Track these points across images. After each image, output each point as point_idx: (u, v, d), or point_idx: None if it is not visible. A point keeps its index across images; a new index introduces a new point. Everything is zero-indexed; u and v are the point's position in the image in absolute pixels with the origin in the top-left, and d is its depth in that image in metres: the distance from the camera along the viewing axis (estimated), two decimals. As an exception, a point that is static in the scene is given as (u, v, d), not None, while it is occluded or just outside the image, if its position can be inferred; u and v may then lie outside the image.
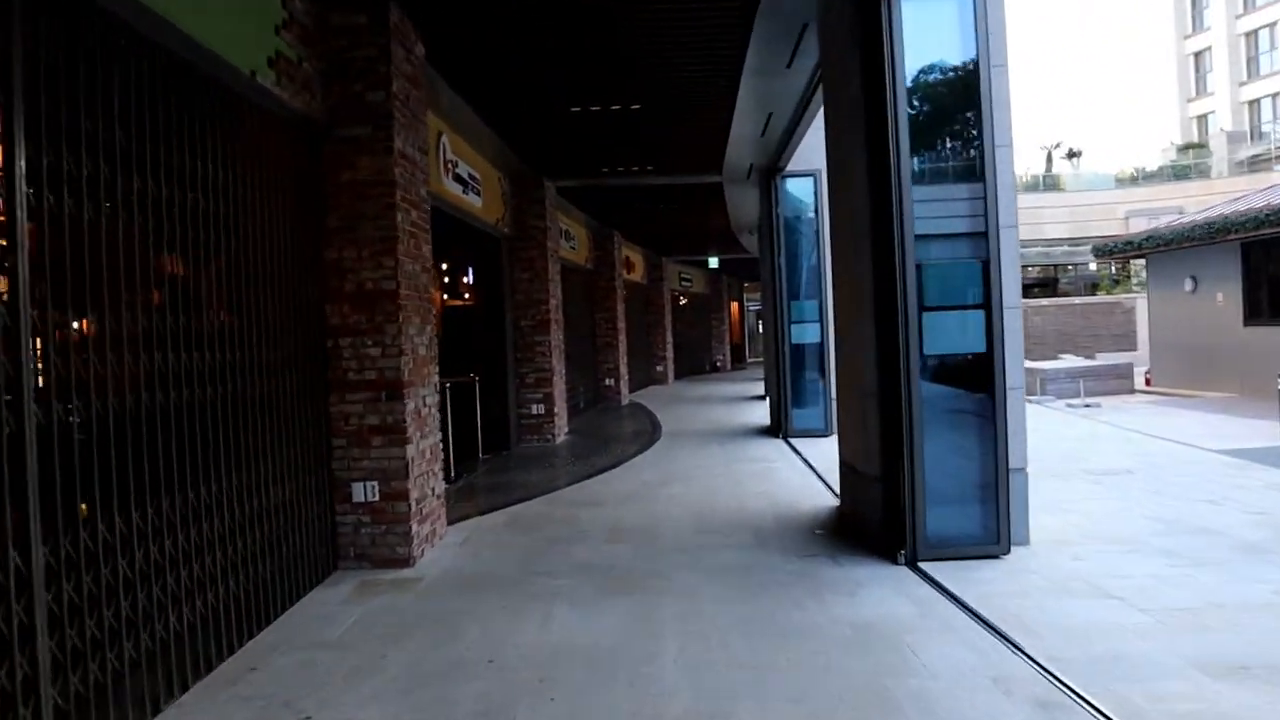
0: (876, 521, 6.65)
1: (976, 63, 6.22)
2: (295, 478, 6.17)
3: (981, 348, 6.24)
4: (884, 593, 5.63)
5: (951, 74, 6.38)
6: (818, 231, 13.54)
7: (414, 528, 6.75)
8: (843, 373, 7.67)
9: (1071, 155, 59.02)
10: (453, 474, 10.82)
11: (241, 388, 5.48)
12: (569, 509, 8.70)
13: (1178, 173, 49.20)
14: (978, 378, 6.32)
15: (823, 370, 13.50)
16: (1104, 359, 24.69)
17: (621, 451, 12.76)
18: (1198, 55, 59.10)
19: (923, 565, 6.13)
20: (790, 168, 13.51)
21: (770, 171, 13.62)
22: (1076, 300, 37.39)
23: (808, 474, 10.24)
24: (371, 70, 6.64)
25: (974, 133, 6.32)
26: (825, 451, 11.58)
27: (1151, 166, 53.09)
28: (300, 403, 6.29)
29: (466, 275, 14.16)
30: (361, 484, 6.68)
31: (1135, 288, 40.24)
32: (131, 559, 4.24)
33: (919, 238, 6.20)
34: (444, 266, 19.47)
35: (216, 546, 5.05)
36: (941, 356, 6.34)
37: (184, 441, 4.79)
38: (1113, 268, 45.24)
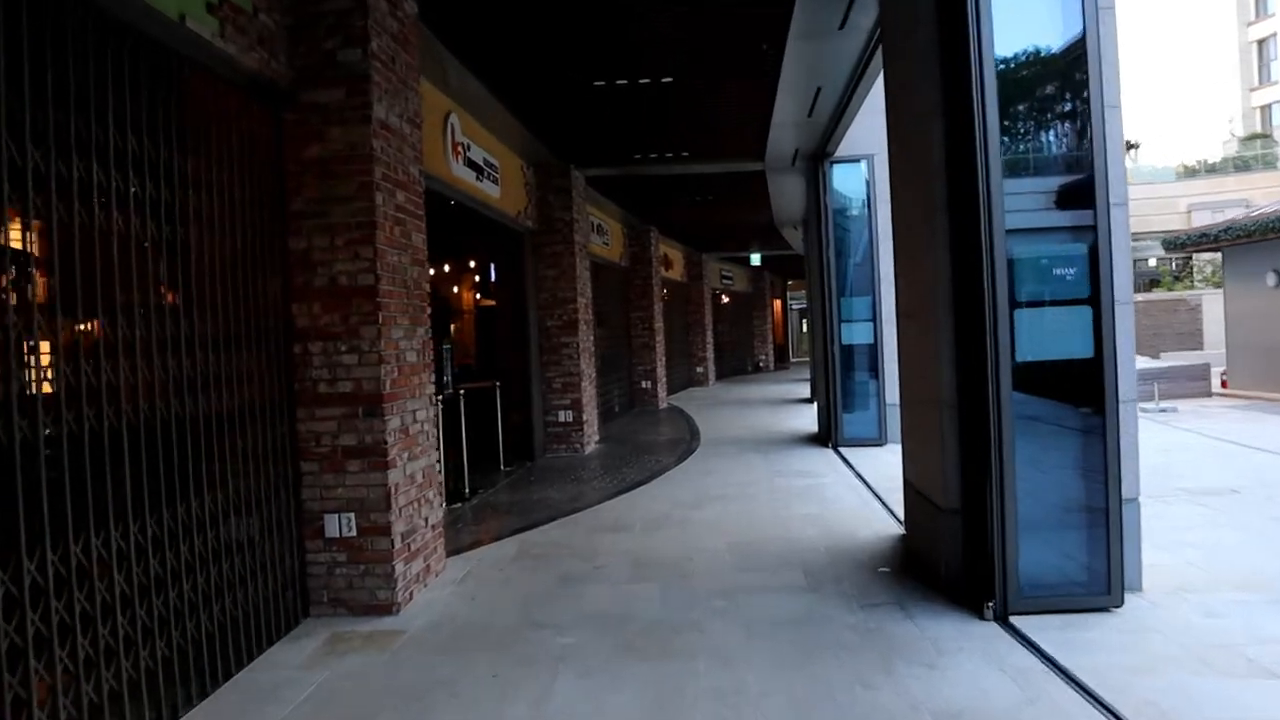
0: (955, 562, 5.47)
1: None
2: (254, 510, 5.14)
3: (1087, 351, 5.04)
4: (973, 664, 4.45)
5: (1047, 12, 5.19)
6: (871, 222, 12.34)
7: (398, 567, 5.67)
8: (908, 380, 6.49)
9: (1130, 148, 56.91)
10: (467, 490, 9.78)
11: (185, 404, 4.47)
12: (590, 536, 7.60)
13: (1242, 164, 47.07)
14: (1082, 388, 5.12)
15: (876, 373, 12.30)
16: (1171, 359, 23.17)
17: (654, 463, 11.64)
18: (1261, 43, 56.74)
19: (1016, 621, 4.94)
20: (839, 153, 12.32)
21: (817, 157, 12.42)
22: (1138, 297, 35.65)
23: (862, 492, 9.05)
24: (346, 24, 5.57)
25: (1077, 88, 5.12)
26: (880, 464, 10.42)
27: (1214, 158, 50.95)
28: (261, 421, 5.26)
29: (486, 273, 13.12)
30: (335, 516, 5.62)
31: (1199, 284, 38.42)
32: (23, 621, 3.24)
33: (1012, 228, 5.02)
34: (470, 264, 18.50)
35: (144, 597, 4.01)
36: (1037, 363, 5.15)
37: (108, 470, 3.79)
38: (1173, 263, 43.33)
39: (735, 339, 33.42)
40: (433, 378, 6.56)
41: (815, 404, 17.12)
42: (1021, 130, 5.49)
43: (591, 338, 13.73)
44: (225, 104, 5.06)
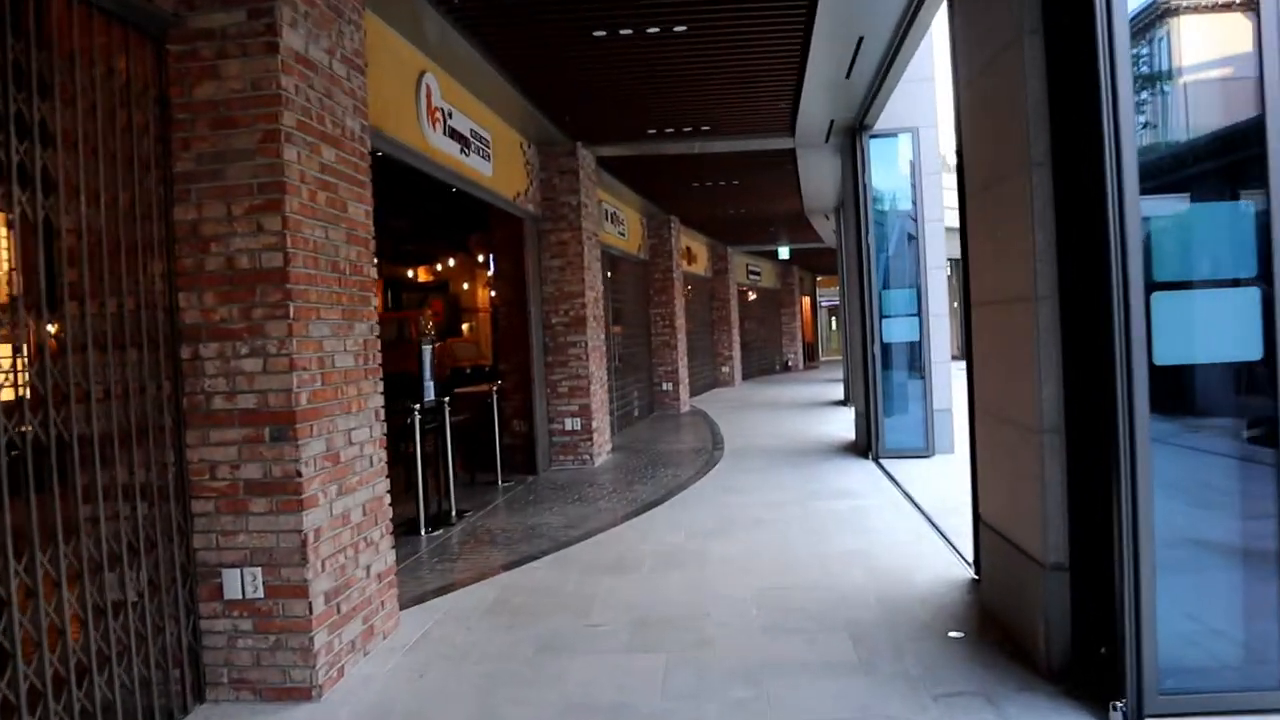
0: (1061, 637, 4.05)
1: None
2: (130, 563, 3.83)
3: (1255, 353, 3.62)
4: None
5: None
6: (916, 203, 10.91)
7: (320, 638, 4.33)
8: (987, 390, 5.05)
9: None
10: (453, 514, 8.46)
11: (35, 426, 3.23)
12: (586, 578, 6.23)
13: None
14: (1243, 400, 3.70)
15: (922, 375, 10.86)
16: None
17: (671, 478, 10.26)
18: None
19: (1158, 731, 3.54)
20: (878, 126, 10.89)
21: (854, 131, 10.99)
22: None
23: (913, 518, 7.63)
24: (248, -77, 4.23)
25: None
26: (930, 480, 9.04)
27: None
28: (139, 446, 3.94)
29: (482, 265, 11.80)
30: (237, 572, 4.28)
31: None
32: None
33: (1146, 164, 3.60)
34: (480, 257, 17.15)
35: None
36: (1182, 367, 3.73)
37: None
38: None
39: (762, 337, 31.97)
40: (379, 386, 5.21)
41: (851, 408, 15.71)
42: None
43: (603, 336, 12.36)
44: (90, 34, 3.73)
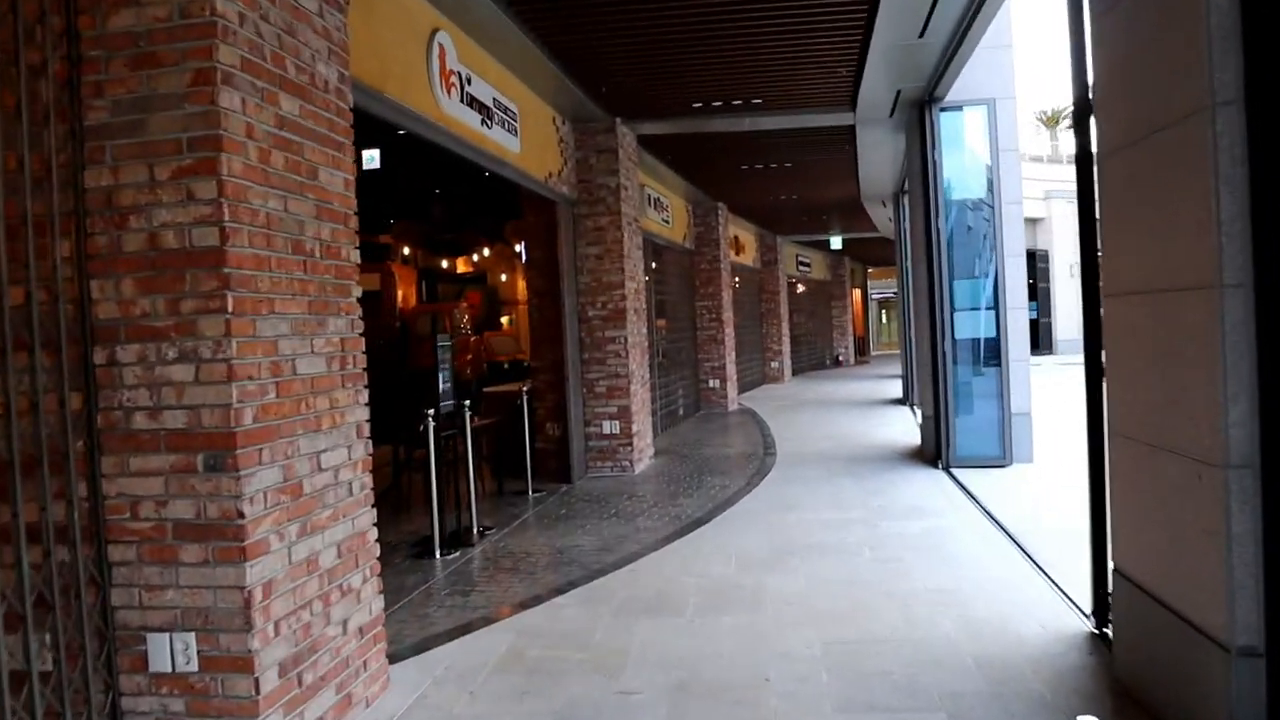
0: (1250, 746, 3.00)
1: None
2: (29, 625, 2.92)
3: None
4: None
5: None
6: (993, 184, 9.77)
7: (271, 724, 3.38)
8: (1130, 404, 3.95)
9: None
10: (475, 532, 7.53)
11: None
12: (618, 621, 5.23)
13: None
14: None
15: (1000, 374, 9.73)
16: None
17: (719, 489, 9.24)
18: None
19: None
20: (951, 97, 9.76)
21: (924, 103, 9.87)
22: None
23: (1002, 545, 6.55)
24: None
25: None
26: (1011, 495, 8.05)
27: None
28: (39, 477, 3.02)
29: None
30: (165, 637, 3.34)
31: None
32: None
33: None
34: (520, 247, 16.27)
35: None
36: None
37: None
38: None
39: (812, 331, 30.80)
40: (362, 395, 4.25)
41: (914, 409, 14.60)
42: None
43: (644, 330, 11.37)
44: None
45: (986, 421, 9.90)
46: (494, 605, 5.68)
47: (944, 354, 9.86)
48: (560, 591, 5.88)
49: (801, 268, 28.84)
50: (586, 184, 10.47)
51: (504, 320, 26.03)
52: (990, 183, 9.73)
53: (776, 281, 24.47)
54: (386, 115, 5.93)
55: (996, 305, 9.79)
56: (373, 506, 4.32)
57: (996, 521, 7.19)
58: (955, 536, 6.85)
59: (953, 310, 9.88)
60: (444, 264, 24.64)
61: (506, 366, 20.66)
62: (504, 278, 25.95)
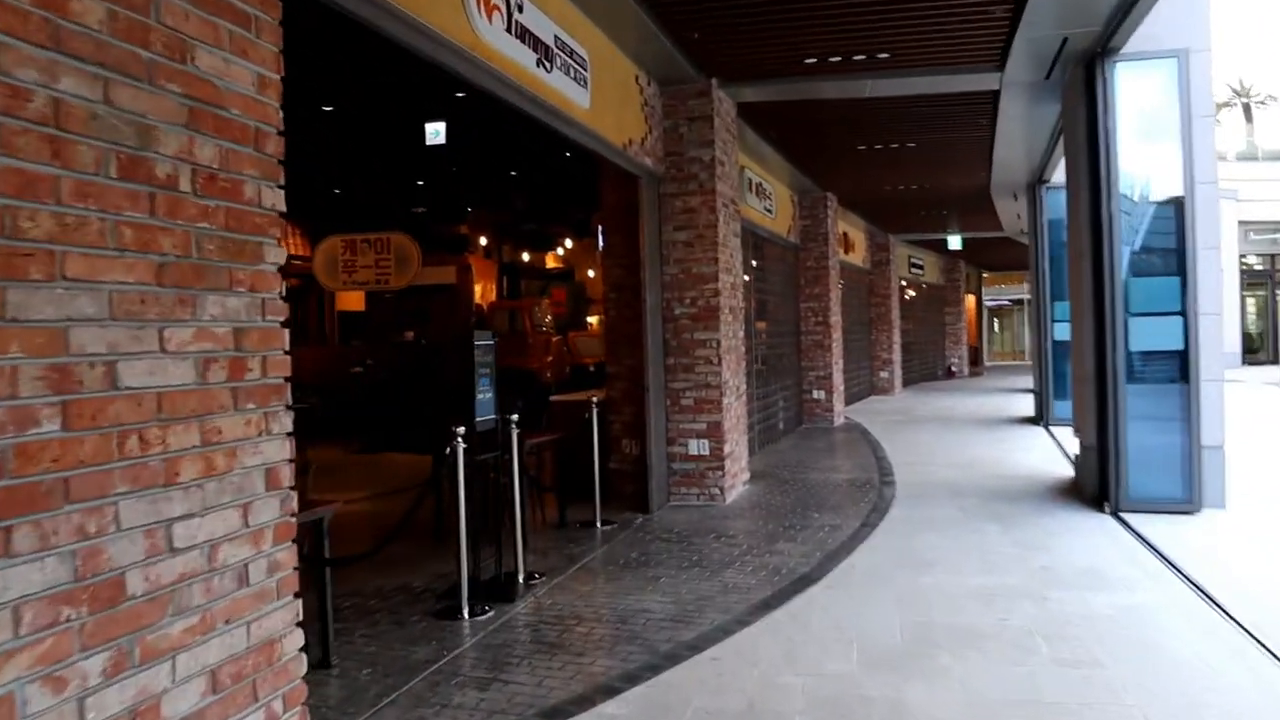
0: None
1: None
2: None
3: None
4: None
5: None
6: (1185, 158, 7.77)
7: None
8: None
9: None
10: (520, 580, 5.96)
11: None
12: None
13: None
14: None
15: (1186, 396, 7.74)
16: None
17: (828, 531, 7.46)
18: None
19: None
20: (1129, 48, 7.82)
21: (1095, 55, 7.92)
22: None
23: (1237, 642, 4.65)
24: None
25: None
26: (1218, 555, 6.17)
27: None
28: None
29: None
30: None
31: None
32: None
33: None
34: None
35: None
36: None
37: None
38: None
39: (923, 339, 28.54)
40: (279, 421, 2.66)
41: (1049, 430, 12.57)
42: None
43: (741, 333, 9.64)
44: None
45: (1167, 454, 7.90)
46: (517, 710, 4.04)
47: (1114, 370, 7.90)
48: (613, 691, 4.21)
49: (914, 270, 26.68)
50: (675, 158, 8.81)
51: (591, 320, 24.52)
52: (1184, 155, 7.73)
53: (888, 284, 22.44)
54: (399, 35, 4.37)
55: (1184, 310, 7.79)
56: (295, 596, 2.72)
57: (1214, 601, 5.27)
58: (1162, 624, 4.96)
59: (1127, 316, 7.91)
60: (526, 257, 23.20)
61: (592, 369, 19.14)
62: (591, 274, 24.42)
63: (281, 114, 2.72)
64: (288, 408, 2.71)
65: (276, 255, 2.69)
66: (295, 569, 2.74)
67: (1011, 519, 7.74)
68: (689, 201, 8.78)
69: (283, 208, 2.74)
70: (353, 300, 20.68)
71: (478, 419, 5.63)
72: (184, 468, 2.31)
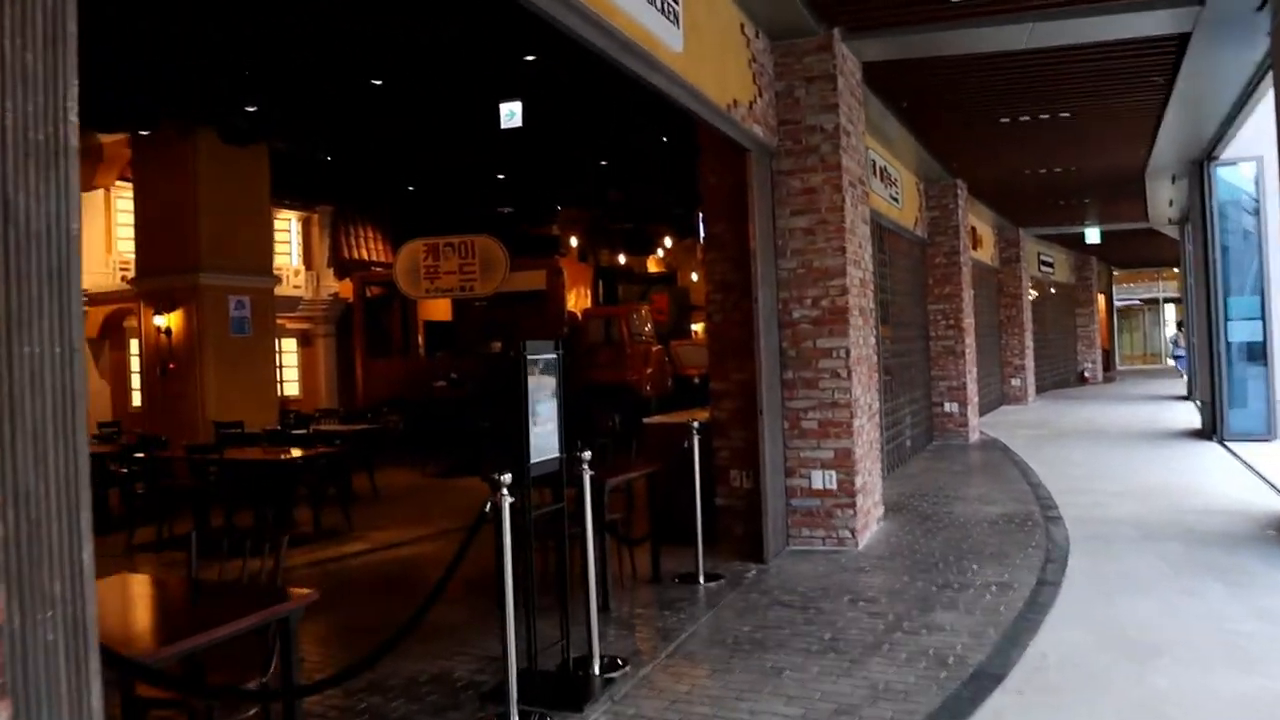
0: None
1: None
2: None
3: None
4: None
5: None
6: None
7: None
8: None
9: None
10: (595, 666, 4.47)
11: None
12: None
13: None
14: None
15: None
16: None
17: (996, 593, 5.78)
18: None
19: None
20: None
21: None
22: None
23: None
24: None
25: None
26: None
27: None
28: None
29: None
30: None
31: None
32: None
33: None
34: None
35: None
36: None
37: None
38: None
39: (1053, 342, 26.22)
40: None
41: (1225, 445, 10.56)
42: None
43: (872, 339, 8.02)
44: None
45: None
46: None
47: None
48: None
49: (1044, 268, 24.46)
50: (791, 127, 7.25)
51: (695, 328, 23.00)
52: None
53: (1018, 283, 20.41)
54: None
55: None
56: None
57: None
58: None
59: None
60: (623, 260, 21.80)
61: (697, 381, 17.63)
62: (695, 277, 22.92)
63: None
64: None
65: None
66: None
67: (1237, 575, 5.94)
68: (808, 180, 7.21)
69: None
70: (439, 309, 19.63)
71: (533, 460, 4.15)
72: None
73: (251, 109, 11.91)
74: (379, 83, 9.94)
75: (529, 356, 4.14)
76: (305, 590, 3.15)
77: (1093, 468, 10.86)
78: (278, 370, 17.67)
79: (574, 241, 19.96)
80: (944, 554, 6.86)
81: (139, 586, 3.64)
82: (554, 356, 4.39)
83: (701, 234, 8.19)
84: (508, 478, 3.83)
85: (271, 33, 9.18)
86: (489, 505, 3.81)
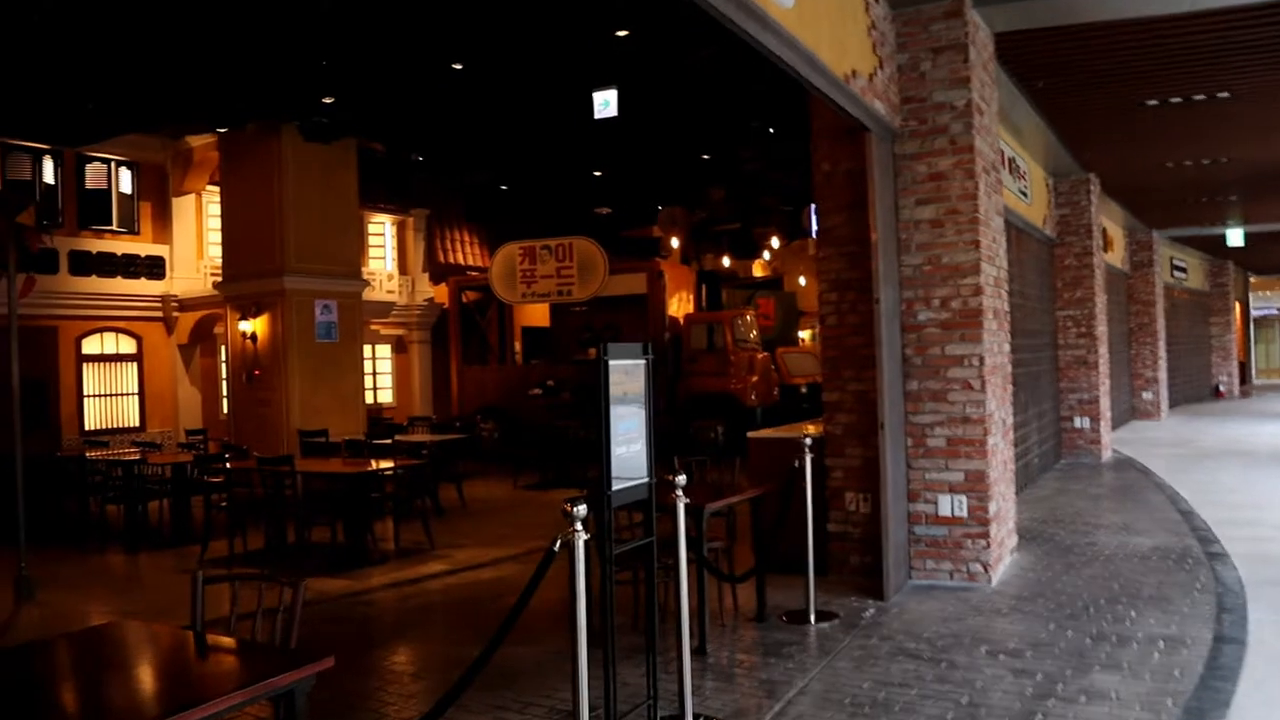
0: None
1: None
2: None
3: None
4: None
5: None
6: None
7: None
8: None
9: None
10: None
11: None
12: None
13: None
14: None
15: None
16: None
17: (1163, 654, 4.82)
18: None
19: None
20: None
21: None
22: None
23: None
24: None
25: None
26: None
27: None
28: None
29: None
30: None
31: None
32: None
33: None
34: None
35: None
36: None
37: None
38: None
39: (1187, 354, 24.47)
40: None
41: None
42: None
43: (1007, 345, 7.10)
44: None
45: None
46: None
47: None
48: None
49: (1177, 273, 22.81)
50: (915, 105, 6.42)
51: (803, 335, 22.06)
52: None
53: (1151, 289, 18.96)
54: None
55: None
56: None
57: None
58: None
59: None
60: (727, 263, 20.97)
61: (805, 391, 16.75)
62: (803, 281, 21.99)
63: None
64: None
65: None
66: None
67: None
68: (936, 164, 6.36)
69: None
70: (537, 314, 19.15)
71: (614, 487, 3.43)
72: None
73: (329, 99, 11.49)
74: (459, 66, 9.40)
75: (611, 361, 3.41)
76: (319, 662, 2.47)
77: (1251, 495, 9.67)
78: (368, 377, 17.38)
79: (675, 243, 19.25)
80: (1093, 596, 5.91)
81: (134, 634, 3.03)
82: (643, 361, 3.66)
83: (814, 229, 7.37)
84: (582, 509, 3.12)
85: (343, 16, 8.73)
86: (558, 542, 3.10)
